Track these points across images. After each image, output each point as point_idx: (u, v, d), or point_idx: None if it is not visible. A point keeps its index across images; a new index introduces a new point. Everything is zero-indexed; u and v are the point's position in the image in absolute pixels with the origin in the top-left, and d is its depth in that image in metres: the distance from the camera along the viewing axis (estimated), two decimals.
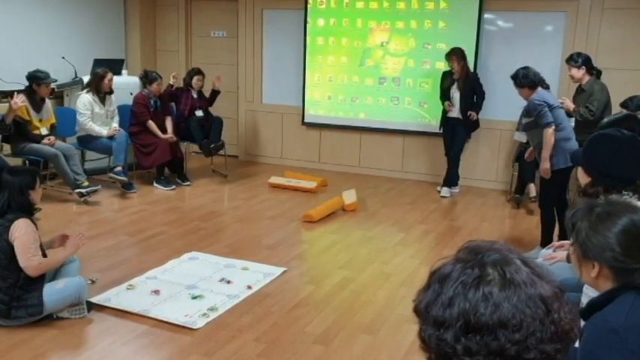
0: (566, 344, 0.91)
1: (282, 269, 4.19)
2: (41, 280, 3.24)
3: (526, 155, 4.92)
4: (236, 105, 8.04)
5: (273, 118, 7.87)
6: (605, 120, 3.59)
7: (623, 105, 4.66)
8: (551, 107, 4.28)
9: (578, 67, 5.12)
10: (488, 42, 6.65)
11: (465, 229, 5.35)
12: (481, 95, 6.34)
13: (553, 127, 4.22)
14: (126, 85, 6.99)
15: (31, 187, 3.27)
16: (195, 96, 6.84)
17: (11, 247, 3.15)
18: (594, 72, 5.13)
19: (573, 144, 4.27)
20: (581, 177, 2.44)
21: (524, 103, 6.18)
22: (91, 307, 3.45)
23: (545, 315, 0.90)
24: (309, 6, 7.27)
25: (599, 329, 1.54)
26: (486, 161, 6.90)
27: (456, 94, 6.26)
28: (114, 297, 3.60)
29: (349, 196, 5.83)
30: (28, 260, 3.15)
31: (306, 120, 7.60)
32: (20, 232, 3.15)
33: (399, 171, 7.28)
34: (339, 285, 4.00)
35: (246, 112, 8.02)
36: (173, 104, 6.84)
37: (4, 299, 3.15)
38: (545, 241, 4.38)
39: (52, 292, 3.22)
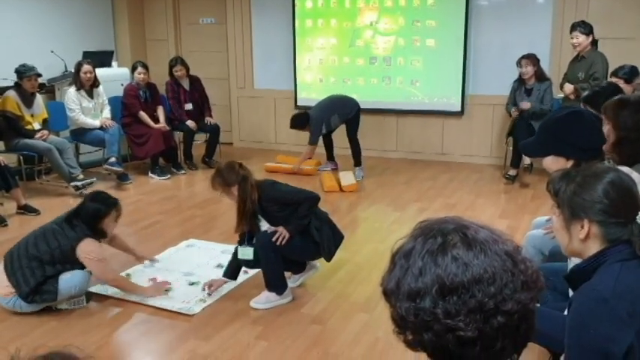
0: (537, 292, 0.94)
1: None
2: (61, 271, 3.33)
3: None
4: (228, 91, 8.02)
5: (266, 103, 7.85)
6: (587, 93, 3.58)
7: (614, 74, 4.65)
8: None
9: (587, 35, 5.12)
10: (478, 17, 6.61)
11: (461, 205, 5.36)
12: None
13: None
14: (116, 76, 6.98)
15: (101, 215, 3.43)
16: (186, 87, 6.77)
17: (72, 253, 3.31)
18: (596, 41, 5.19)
19: None
20: (554, 165, 2.30)
21: (514, 77, 6.17)
22: (90, 297, 3.49)
23: (514, 266, 0.92)
24: None
25: (588, 299, 1.55)
26: (480, 137, 6.90)
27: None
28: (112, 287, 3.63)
29: (347, 178, 5.85)
30: (106, 275, 3.47)
31: (298, 103, 7.58)
32: (91, 249, 3.36)
33: (393, 151, 7.29)
34: (334, 266, 4.00)
35: (239, 99, 8.00)
36: (164, 94, 6.82)
37: (31, 284, 3.22)
38: (358, 162, 6.35)
39: (62, 281, 3.29)
